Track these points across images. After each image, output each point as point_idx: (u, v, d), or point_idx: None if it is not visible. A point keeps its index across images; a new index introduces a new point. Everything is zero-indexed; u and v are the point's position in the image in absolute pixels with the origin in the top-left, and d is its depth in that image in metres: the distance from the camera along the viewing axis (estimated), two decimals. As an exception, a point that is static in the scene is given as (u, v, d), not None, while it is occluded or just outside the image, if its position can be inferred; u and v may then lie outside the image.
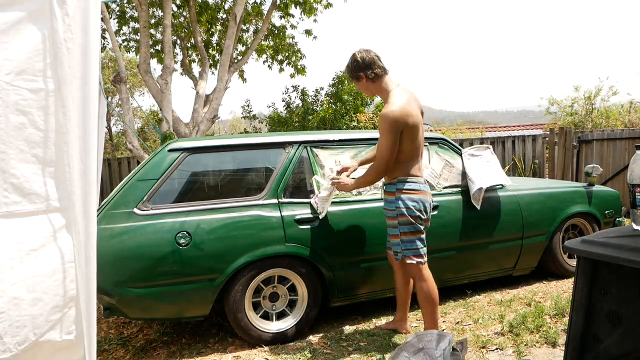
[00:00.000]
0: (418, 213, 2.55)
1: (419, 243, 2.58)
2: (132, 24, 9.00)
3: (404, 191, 2.54)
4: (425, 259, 2.61)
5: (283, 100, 12.15)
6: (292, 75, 9.98)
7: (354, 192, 3.07)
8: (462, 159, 3.48)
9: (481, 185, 3.29)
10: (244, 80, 9.87)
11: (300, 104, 11.95)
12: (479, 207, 3.29)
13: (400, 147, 2.50)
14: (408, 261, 2.58)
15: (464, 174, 3.43)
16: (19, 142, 1.59)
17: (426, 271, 2.59)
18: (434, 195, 3.26)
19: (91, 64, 1.63)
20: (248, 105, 12.47)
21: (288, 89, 12.09)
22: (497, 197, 3.44)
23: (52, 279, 1.63)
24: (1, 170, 1.57)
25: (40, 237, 1.63)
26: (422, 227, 2.59)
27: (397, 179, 2.57)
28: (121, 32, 9.00)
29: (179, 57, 9.17)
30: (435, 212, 3.18)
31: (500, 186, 3.50)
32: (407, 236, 2.56)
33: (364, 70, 2.54)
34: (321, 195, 2.84)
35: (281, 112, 12.21)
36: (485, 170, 3.41)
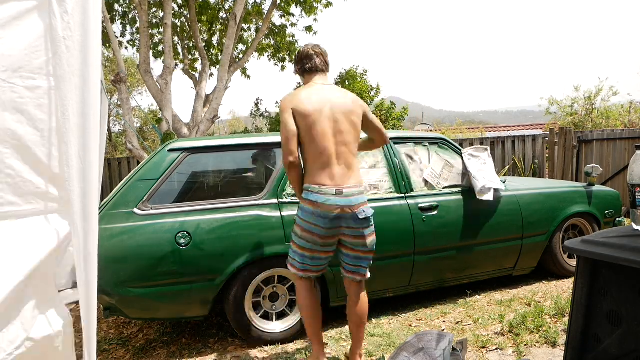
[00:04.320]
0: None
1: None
2: (134, 26, 9.01)
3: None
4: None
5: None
6: (295, 72, 10.00)
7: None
8: (462, 159, 3.48)
9: (484, 184, 3.30)
10: (248, 77, 9.87)
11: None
12: (492, 198, 3.31)
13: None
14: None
15: (464, 174, 3.43)
16: (15, 140, 1.57)
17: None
18: (433, 195, 3.27)
19: (91, 62, 1.62)
20: (258, 104, 12.51)
21: (299, 84, 12.14)
22: (497, 197, 3.43)
23: (44, 278, 1.62)
24: None
25: (37, 238, 1.61)
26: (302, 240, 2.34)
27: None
28: (126, 32, 9.01)
29: (180, 57, 9.17)
30: (435, 212, 3.18)
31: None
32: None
33: (296, 64, 2.51)
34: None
35: None
36: (483, 173, 3.41)
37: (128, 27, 9.01)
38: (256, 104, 12.46)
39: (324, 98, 2.32)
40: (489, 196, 3.30)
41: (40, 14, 1.58)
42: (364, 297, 2.45)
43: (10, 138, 1.56)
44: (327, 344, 2.83)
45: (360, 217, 2.28)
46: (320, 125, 2.27)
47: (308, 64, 2.45)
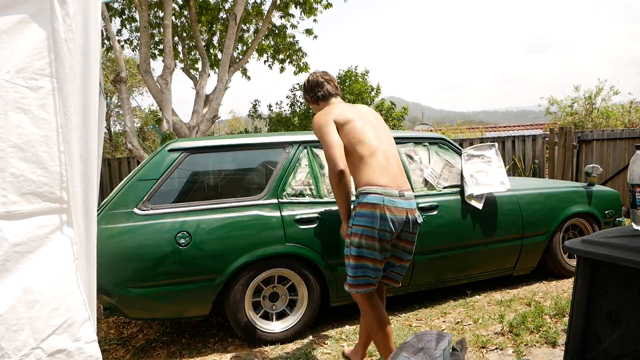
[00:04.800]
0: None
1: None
2: (133, 23, 9.01)
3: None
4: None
5: (287, 97, 12.25)
6: (295, 73, 10.00)
7: (354, 192, 3.06)
8: (460, 159, 3.48)
9: (471, 191, 3.27)
10: (248, 78, 9.88)
11: (302, 103, 12.03)
12: (480, 207, 3.27)
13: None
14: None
15: (463, 174, 3.43)
16: (19, 140, 1.58)
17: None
18: (434, 195, 3.27)
19: (92, 64, 1.63)
20: (255, 105, 12.55)
21: (294, 86, 12.18)
22: (497, 197, 3.43)
23: (50, 280, 1.61)
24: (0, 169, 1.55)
25: (39, 238, 1.61)
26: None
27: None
28: (122, 31, 9.02)
29: (180, 57, 9.18)
30: (435, 212, 3.18)
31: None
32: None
33: (308, 93, 2.52)
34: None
35: (285, 110, 12.29)
36: (483, 174, 3.38)
37: (127, 26, 9.02)
38: (254, 105, 12.49)
39: (355, 108, 2.38)
40: (477, 203, 3.28)
41: (42, 17, 1.58)
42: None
43: (15, 137, 1.56)
44: (327, 343, 2.83)
45: (419, 221, 2.24)
46: (367, 127, 2.27)
47: (320, 92, 2.46)
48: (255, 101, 12.52)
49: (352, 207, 2.24)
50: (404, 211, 2.14)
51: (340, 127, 2.23)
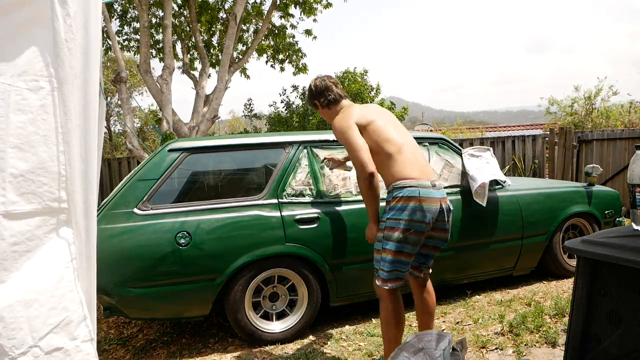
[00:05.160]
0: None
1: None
2: (132, 24, 9.00)
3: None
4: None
5: (282, 102, 12.22)
6: (294, 73, 10.00)
7: (354, 192, 3.07)
8: (462, 158, 3.48)
9: (483, 180, 3.26)
10: (247, 77, 9.88)
11: (300, 104, 12.00)
12: (484, 204, 3.25)
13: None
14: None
15: (464, 174, 3.43)
16: (18, 141, 1.58)
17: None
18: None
19: (92, 64, 1.63)
20: (250, 104, 12.53)
21: (285, 90, 12.16)
22: (497, 197, 3.44)
23: (48, 279, 1.61)
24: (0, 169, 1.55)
25: (38, 238, 1.61)
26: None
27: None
28: (123, 32, 9.01)
29: (179, 57, 9.17)
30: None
31: (500, 186, 3.50)
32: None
33: (317, 98, 2.50)
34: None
35: (281, 111, 12.29)
36: (485, 169, 3.41)
37: (125, 27, 9.01)
38: (248, 105, 12.48)
39: (371, 108, 2.41)
40: (482, 199, 3.27)
41: (43, 18, 1.58)
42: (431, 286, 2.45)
43: (14, 138, 1.57)
44: (327, 343, 2.83)
45: (451, 209, 2.28)
46: (389, 125, 2.32)
47: (331, 95, 2.46)
48: (249, 100, 12.51)
49: (385, 202, 2.25)
50: (438, 201, 2.18)
51: (363, 128, 2.27)
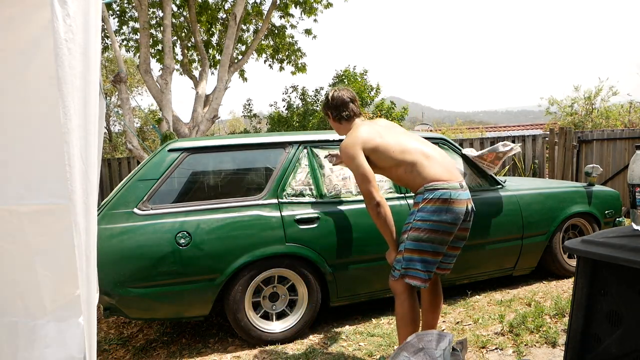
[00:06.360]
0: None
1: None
2: (131, 23, 9.00)
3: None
4: None
5: (283, 100, 12.22)
6: (293, 73, 10.00)
7: (354, 192, 3.07)
8: (462, 158, 3.48)
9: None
10: (245, 79, 9.89)
11: (301, 104, 12.00)
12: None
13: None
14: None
15: (464, 174, 3.43)
16: (18, 141, 1.59)
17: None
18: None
19: (92, 64, 1.63)
20: (249, 104, 12.53)
21: (288, 89, 12.17)
22: (497, 197, 3.44)
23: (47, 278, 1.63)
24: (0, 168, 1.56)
25: (38, 237, 1.62)
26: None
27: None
28: (121, 31, 9.00)
29: (179, 57, 9.17)
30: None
31: (501, 186, 3.51)
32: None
33: (330, 110, 2.48)
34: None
35: (282, 111, 12.29)
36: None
37: (124, 28, 9.01)
38: (247, 105, 12.50)
39: (377, 126, 2.40)
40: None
41: (42, 18, 1.58)
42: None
43: (14, 139, 1.57)
44: (327, 343, 2.83)
45: (474, 209, 2.32)
46: (401, 137, 2.33)
47: (345, 112, 2.45)
48: (248, 100, 12.54)
49: (415, 201, 2.26)
50: (465, 202, 2.21)
51: (372, 151, 2.27)
